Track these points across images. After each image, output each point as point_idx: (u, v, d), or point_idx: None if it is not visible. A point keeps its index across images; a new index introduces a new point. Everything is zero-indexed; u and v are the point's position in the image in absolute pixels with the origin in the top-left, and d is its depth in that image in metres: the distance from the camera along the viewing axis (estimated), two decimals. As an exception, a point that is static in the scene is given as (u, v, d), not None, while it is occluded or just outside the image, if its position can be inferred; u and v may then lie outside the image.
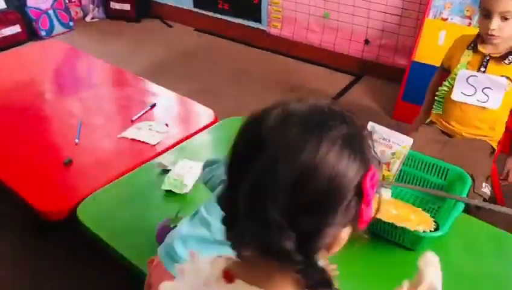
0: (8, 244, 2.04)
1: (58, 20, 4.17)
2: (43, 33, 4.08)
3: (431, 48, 2.67)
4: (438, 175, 1.51)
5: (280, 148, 0.50)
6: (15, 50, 3.27)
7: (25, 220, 2.07)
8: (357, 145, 0.53)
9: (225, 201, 0.56)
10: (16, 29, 3.88)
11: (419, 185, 1.54)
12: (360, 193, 0.53)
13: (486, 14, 1.63)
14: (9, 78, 2.42)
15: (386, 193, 1.49)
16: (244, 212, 0.52)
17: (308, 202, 0.50)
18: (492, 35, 1.63)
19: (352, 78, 3.44)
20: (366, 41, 3.38)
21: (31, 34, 4.03)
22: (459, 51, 1.79)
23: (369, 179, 0.53)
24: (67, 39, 3.90)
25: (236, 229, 0.54)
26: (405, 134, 1.51)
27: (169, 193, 1.57)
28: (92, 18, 4.55)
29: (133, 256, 1.35)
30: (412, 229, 1.24)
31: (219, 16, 4.13)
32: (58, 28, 4.17)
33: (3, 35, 3.80)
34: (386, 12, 3.20)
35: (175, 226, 1.33)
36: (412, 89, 2.78)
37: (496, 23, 1.60)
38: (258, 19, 3.89)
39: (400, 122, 2.77)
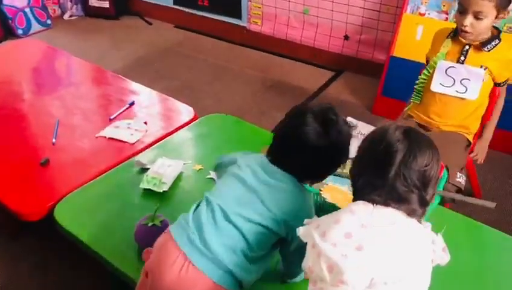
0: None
1: (36, 18, 4.10)
2: (20, 32, 4.01)
3: (409, 43, 2.70)
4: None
5: (412, 153, 0.90)
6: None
7: (4, 221, 2.03)
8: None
9: (371, 178, 0.92)
10: (-9, 27, 3.81)
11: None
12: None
13: (462, 11, 1.66)
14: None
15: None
16: (394, 183, 0.89)
17: (428, 180, 0.91)
18: (465, 31, 1.67)
19: (332, 74, 3.46)
20: (346, 37, 3.39)
21: (7, 32, 3.95)
22: (439, 42, 1.82)
23: None
24: (45, 37, 3.84)
25: (383, 192, 0.90)
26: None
27: (147, 191, 1.56)
28: (71, 16, 4.49)
29: (111, 255, 1.34)
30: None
31: (199, 12, 4.11)
32: (35, 27, 4.10)
33: (-22, 34, 3.73)
34: (364, 8, 3.22)
35: (153, 225, 1.33)
36: (391, 84, 2.81)
37: (469, 20, 1.64)
38: (238, 16, 3.88)
39: (380, 117, 2.80)
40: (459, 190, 1.63)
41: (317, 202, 1.39)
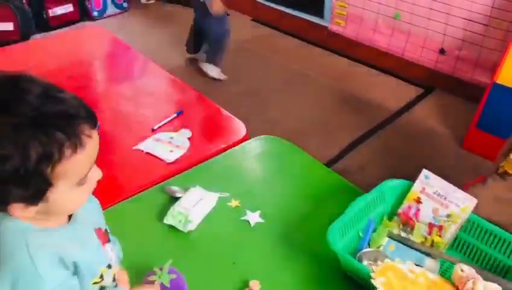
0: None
1: (112, 0, 4.03)
2: (95, 13, 3.96)
3: (520, 69, 2.22)
4: (504, 250, 1.15)
5: None
6: (57, 34, 3.14)
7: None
8: None
9: None
10: (68, 8, 3.79)
11: (477, 261, 1.19)
12: None
13: None
14: (26, 67, 2.24)
15: (432, 267, 1.16)
16: None
17: None
18: None
19: (421, 91, 3.02)
20: (442, 51, 2.94)
21: (83, 14, 3.93)
22: None
23: None
24: (119, 21, 3.77)
25: None
26: (467, 190, 1.18)
27: (172, 227, 1.33)
28: (148, 0, 4.38)
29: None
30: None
31: (279, 7, 3.82)
32: (111, 9, 4.04)
33: (55, 14, 3.72)
34: (469, 20, 2.74)
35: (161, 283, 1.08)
36: (490, 116, 2.33)
37: None
38: (320, 14, 3.53)
39: (471, 154, 2.35)
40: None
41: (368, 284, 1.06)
